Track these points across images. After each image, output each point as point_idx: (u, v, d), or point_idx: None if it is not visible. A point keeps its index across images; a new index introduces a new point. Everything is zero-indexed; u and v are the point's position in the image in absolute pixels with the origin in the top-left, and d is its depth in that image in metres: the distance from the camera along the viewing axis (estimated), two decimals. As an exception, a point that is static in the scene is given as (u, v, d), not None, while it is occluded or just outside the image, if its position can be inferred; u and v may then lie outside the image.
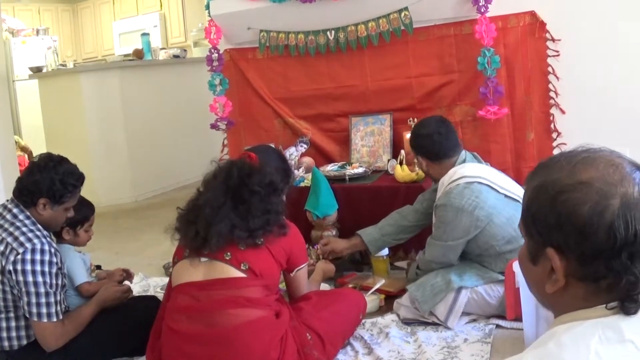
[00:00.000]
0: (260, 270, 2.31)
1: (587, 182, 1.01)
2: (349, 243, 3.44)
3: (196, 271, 2.32)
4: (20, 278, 2.40)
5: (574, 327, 1.01)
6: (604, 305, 1.02)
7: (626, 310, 1.00)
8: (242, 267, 2.28)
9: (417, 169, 3.79)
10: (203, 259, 2.32)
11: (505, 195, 2.87)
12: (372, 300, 3.09)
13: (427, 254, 3.03)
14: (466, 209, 2.80)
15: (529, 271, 1.13)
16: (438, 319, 2.87)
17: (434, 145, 3.07)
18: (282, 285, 2.69)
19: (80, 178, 2.69)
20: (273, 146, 3.35)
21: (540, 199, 1.06)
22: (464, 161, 3.06)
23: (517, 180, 3.18)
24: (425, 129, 3.13)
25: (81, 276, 2.84)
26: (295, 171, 4.01)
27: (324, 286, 3.23)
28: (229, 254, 2.29)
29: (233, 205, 2.34)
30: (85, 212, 2.93)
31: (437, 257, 2.98)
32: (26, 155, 6.57)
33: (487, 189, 2.85)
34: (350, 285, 3.31)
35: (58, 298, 2.49)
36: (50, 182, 2.56)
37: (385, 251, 3.50)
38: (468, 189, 2.84)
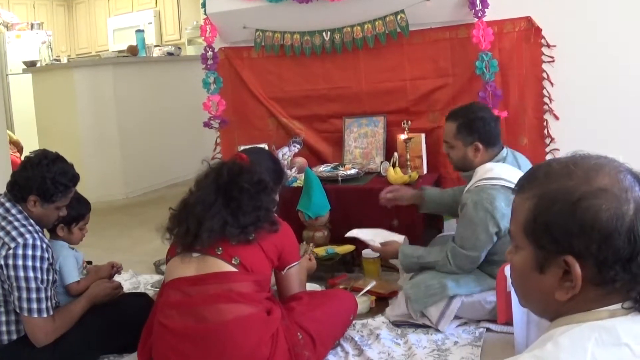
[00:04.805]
0: (251, 265, 2.32)
1: (604, 188, 1.03)
2: (414, 193, 3.47)
3: (188, 267, 2.33)
4: (12, 273, 2.39)
5: (572, 329, 1.03)
6: (608, 307, 1.04)
7: None
8: (233, 262, 2.30)
9: (409, 171, 3.80)
10: (195, 254, 2.34)
11: None
12: (362, 302, 3.09)
13: (453, 265, 2.87)
14: (496, 215, 2.75)
15: (532, 280, 1.12)
16: (430, 320, 2.88)
17: (495, 129, 3.02)
18: (273, 286, 2.69)
19: (73, 179, 2.67)
20: (265, 147, 3.34)
21: (555, 207, 1.05)
22: (504, 158, 3.01)
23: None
24: (486, 112, 3.06)
25: (70, 276, 2.81)
26: (288, 171, 4.01)
27: (315, 287, 3.23)
28: (220, 248, 2.31)
29: (224, 203, 2.36)
30: (81, 210, 2.91)
31: (464, 266, 2.86)
32: (18, 153, 6.51)
33: None
34: (341, 287, 3.31)
35: (49, 294, 2.48)
36: (41, 180, 2.55)
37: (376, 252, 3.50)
38: (503, 194, 2.76)
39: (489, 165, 2.94)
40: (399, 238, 3.28)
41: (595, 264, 1.02)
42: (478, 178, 2.89)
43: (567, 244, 1.04)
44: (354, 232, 3.37)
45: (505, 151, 3.06)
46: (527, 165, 3.08)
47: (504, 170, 2.87)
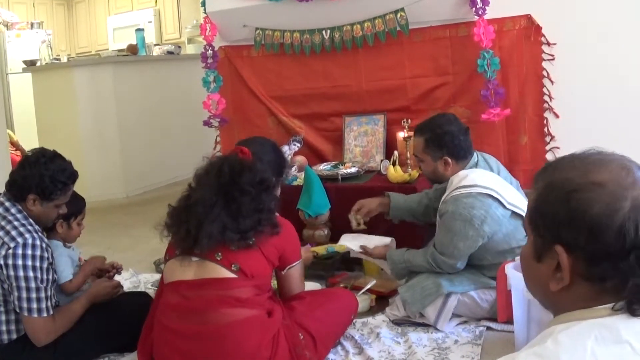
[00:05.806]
0: (251, 271, 2.29)
1: (600, 183, 1.03)
2: (380, 200, 3.38)
3: (187, 270, 2.30)
4: (11, 272, 2.38)
5: (572, 326, 1.02)
6: (605, 305, 1.03)
7: (632, 311, 1.01)
8: (232, 268, 2.26)
9: (409, 170, 3.79)
10: (194, 258, 2.30)
11: (512, 212, 2.77)
12: (363, 300, 3.08)
13: (438, 268, 2.88)
14: (474, 222, 2.72)
15: (532, 269, 1.14)
16: (428, 320, 2.88)
17: (464, 142, 2.99)
18: (274, 284, 2.68)
19: (72, 176, 2.66)
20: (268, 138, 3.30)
21: (551, 196, 1.07)
22: (476, 163, 3.01)
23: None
24: (454, 125, 3.00)
25: (62, 275, 2.79)
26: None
27: (315, 285, 3.22)
28: (219, 254, 2.27)
29: (224, 205, 2.30)
30: (78, 205, 2.90)
31: (446, 270, 2.87)
32: (19, 152, 6.48)
33: (496, 204, 2.75)
34: (341, 285, 3.31)
35: (49, 293, 2.48)
36: (39, 179, 2.53)
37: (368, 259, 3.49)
38: (480, 201, 2.74)
39: (462, 172, 2.92)
40: (387, 241, 3.28)
41: (585, 257, 1.03)
42: (454, 187, 2.87)
43: (557, 233, 1.05)
44: (344, 242, 3.34)
45: (475, 156, 3.05)
46: (498, 166, 3.11)
47: (478, 176, 2.86)
